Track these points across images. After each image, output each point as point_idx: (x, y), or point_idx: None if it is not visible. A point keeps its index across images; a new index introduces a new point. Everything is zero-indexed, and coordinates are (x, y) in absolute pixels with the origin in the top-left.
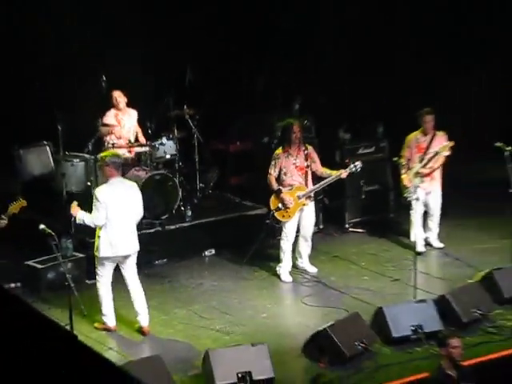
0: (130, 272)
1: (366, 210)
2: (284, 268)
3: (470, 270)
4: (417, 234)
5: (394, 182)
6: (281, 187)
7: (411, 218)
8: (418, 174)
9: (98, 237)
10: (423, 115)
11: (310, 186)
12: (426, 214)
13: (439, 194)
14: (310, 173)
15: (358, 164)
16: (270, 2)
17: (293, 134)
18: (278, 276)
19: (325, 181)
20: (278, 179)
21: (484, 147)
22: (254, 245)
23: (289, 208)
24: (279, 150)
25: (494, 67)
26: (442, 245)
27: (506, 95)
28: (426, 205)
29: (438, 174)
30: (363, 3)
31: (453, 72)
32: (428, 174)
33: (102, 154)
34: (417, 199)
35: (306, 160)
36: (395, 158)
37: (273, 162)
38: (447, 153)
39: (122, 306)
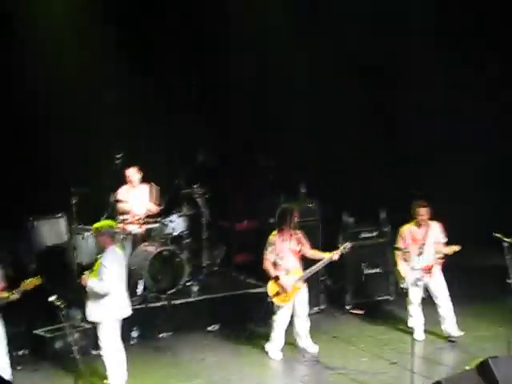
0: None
1: (367, 292)
2: (273, 346)
3: (467, 357)
4: (415, 322)
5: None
6: (278, 273)
7: (408, 306)
8: (416, 269)
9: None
10: (417, 208)
11: (305, 270)
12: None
13: (442, 281)
14: (301, 257)
15: (348, 245)
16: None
17: (293, 218)
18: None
19: (319, 263)
20: (274, 263)
21: (482, 236)
22: (254, 322)
23: (288, 293)
24: (273, 235)
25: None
26: (461, 332)
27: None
28: (431, 293)
29: (437, 265)
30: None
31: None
32: (427, 268)
33: (95, 225)
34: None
35: (298, 244)
36: (396, 245)
37: (269, 248)
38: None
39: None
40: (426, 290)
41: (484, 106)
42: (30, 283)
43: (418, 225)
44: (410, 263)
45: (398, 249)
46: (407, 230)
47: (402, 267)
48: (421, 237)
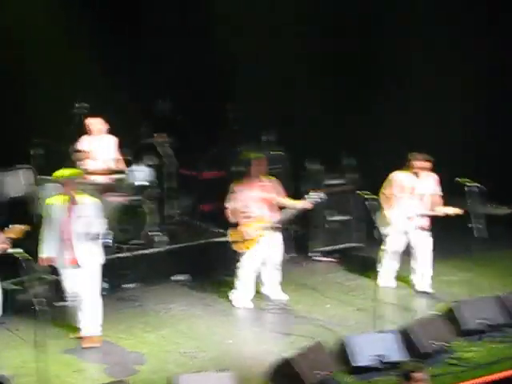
0: None
1: (332, 240)
2: (236, 294)
3: (433, 302)
4: (384, 268)
5: (360, 213)
6: (239, 220)
7: (381, 252)
8: (410, 218)
9: None
10: (416, 159)
11: (272, 217)
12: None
13: (429, 238)
14: (273, 204)
15: (322, 195)
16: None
17: (255, 167)
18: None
19: (288, 212)
20: (238, 211)
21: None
22: (220, 271)
23: (247, 240)
24: (236, 183)
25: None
26: (431, 290)
27: None
28: (411, 247)
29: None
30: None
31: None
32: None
33: (60, 173)
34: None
35: (268, 191)
36: (359, 191)
37: (229, 196)
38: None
39: None
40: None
41: None
42: (16, 230)
43: (415, 174)
44: (399, 210)
45: (382, 194)
46: (399, 177)
47: (389, 213)
48: (419, 186)
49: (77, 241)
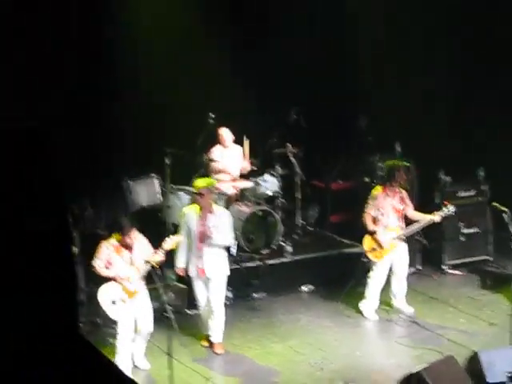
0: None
1: (465, 252)
2: (367, 305)
3: None
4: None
5: (494, 226)
6: (376, 228)
7: None
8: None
9: None
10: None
11: (404, 229)
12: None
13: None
14: (403, 216)
15: (452, 208)
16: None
17: (400, 175)
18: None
19: (420, 223)
20: (374, 219)
21: None
22: (349, 283)
23: (383, 249)
24: (377, 190)
25: None
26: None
27: None
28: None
29: None
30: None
31: None
32: None
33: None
34: None
35: (401, 203)
36: (495, 203)
37: (371, 202)
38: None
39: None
40: None
41: None
42: (173, 242)
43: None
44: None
45: (503, 213)
46: None
47: None
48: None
49: (208, 251)
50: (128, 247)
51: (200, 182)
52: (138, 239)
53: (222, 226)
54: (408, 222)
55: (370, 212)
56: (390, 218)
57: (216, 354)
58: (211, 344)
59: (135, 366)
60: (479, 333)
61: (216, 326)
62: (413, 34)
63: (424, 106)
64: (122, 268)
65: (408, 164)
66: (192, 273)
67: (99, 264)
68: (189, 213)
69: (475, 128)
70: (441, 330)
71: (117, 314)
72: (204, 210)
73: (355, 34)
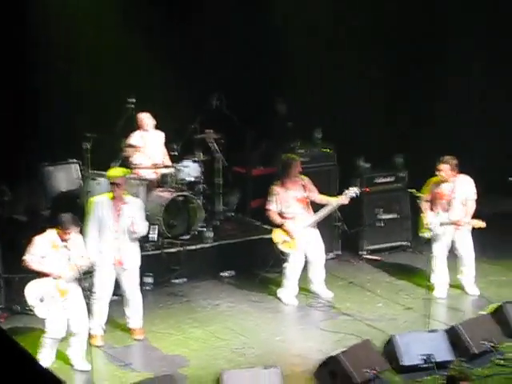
0: None
1: (384, 238)
2: (284, 292)
3: (483, 302)
4: (436, 279)
5: (412, 211)
6: (284, 220)
7: (431, 261)
8: (443, 224)
9: None
10: (439, 164)
11: (312, 216)
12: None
13: (469, 238)
14: (309, 203)
15: (355, 189)
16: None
17: (294, 168)
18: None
19: (326, 209)
20: (279, 213)
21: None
22: (264, 270)
23: (294, 239)
24: (276, 185)
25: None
26: (478, 291)
27: None
28: (455, 249)
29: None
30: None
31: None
32: (456, 224)
33: (113, 173)
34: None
35: (304, 191)
36: (412, 190)
37: (272, 198)
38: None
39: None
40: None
41: None
42: (87, 263)
43: (444, 180)
44: (437, 217)
45: (420, 198)
46: (434, 183)
47: (429, 217)
48: (448, 192)
49: (123, 241)
50: (66, 244)
51: (115, 172)
52: (76, 237)
53: (137, 216)
54: (319, 206)
55: (271, 208)
56: (295, 209)
57: (136, 339)
58: (130, 330)
59: (76, 370)
60: (396, 317)
61: (134, 312)
62: (337, 21)
63: (345, 93)
64: (56, 265)
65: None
66: (102, 262)
67: (31, 259)
68: (100, 202)
69: (395, 115)
70: (359, 315)
71: (44, 312)
72: (117, 200)
73: (278, 19)
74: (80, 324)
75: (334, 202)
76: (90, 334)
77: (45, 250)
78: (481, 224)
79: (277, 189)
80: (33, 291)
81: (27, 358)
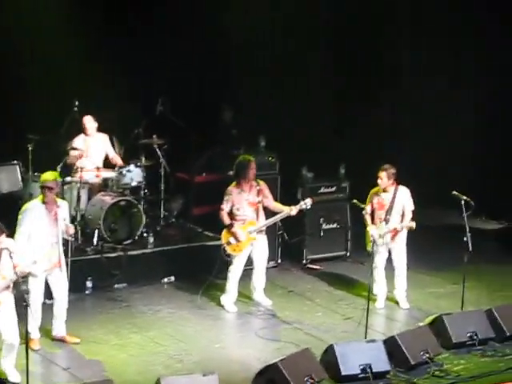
0: None
1: (324, 247)
2: (228, 298)
3: (421, 313)
4: (378, 290)
5: (352, 222)
6: (233, 222)
7: (373, 272)
8: (382, 236)
9: None
10: (378, 172)
11: (262, 221)
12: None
13: (403, 252)
14: (261, 208)
15: (308, 201)
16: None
17: (250, 170)
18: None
19: (276, 216)
20: (230, 214)
21: (443, 194)
22: (209, 276)
23: (240, 242)
24: (232, 186)
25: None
26: (408, 305)
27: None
28: (392, 260)
29: (402, 232)
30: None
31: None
32: (393, 234)
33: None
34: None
35: (258, 195)
36: (354, 201)
37: (226, 198)
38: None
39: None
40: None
41: None
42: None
43: (383, 189)
44: (377, 229)
45: (363, 211)
46: (374, 193)
47: (371, 231)
48: (387, 202)
49: (61, 244)
50: None
51: (48, 176)
52: (5, 244)
53: (67, 219)
54: (272, 213)
55: (223, 207)
56: (245, 212)
57: (74, 343)
58: (63, 338)
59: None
60: (335, 326)
61: (62, 318)
62: (285, 29)
63: (291, 102)
64: None
65: (265, 158)
66: (38, 269)
67: None
68: (33, 207)
69: (339, 125)
70: (298, 324)
71: None
72: (50, 204)
73: (226, 19)
74: (11, 335)
75: (284, 211)
76: (28, 338)
77: None
78: (411, 224)
79: (231, 190)
80: None
81: None
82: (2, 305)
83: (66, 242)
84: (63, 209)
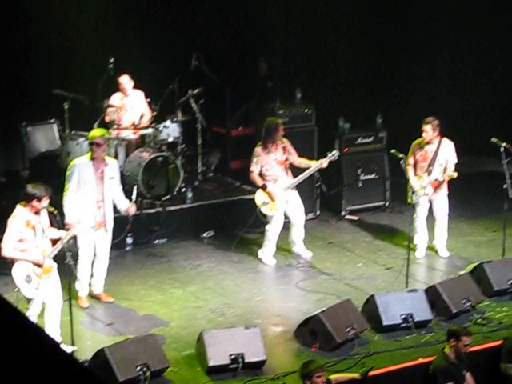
0: None
1: (363, 198)
2: (266, 253)
3: (462, 262)
4: (419, 240)
5: (391, 172)
6: (265, 182)
7: (414, 223)
8: (424, 187)
9: None
10: (423, 124)
11: (291, 178)
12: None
13: (445, 202)
14: (288, 165)
15: (336, 152)
16: None
17: (278, 132)
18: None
19: (308, 170)
20: (260, 174)
21: (482, 141)
22: (239, 231)
23: (275, 201)
24: (258, 147)
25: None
26: (448, 254)
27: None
28: (433, 211)
29: (444, 183)
30: None
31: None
32: (435, 185)
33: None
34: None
35: (284, 153)
36: (393, 150)
37: (254, 160)
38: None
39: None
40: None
41: None
42: (69, 237)
43: (427, 141)
44: (419, 180)
45: (401, 160)
46: (417, 144)
47: (413, 182)
48: (430, 154)
49: (107, 203)
50: (40, 219)
51: (95, 132)
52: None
53: (117, 178)
54: (298, 169)
55: (253, 169)
56: (275, 171)
57: (108, 302)
58: (99, 295)
59: None
60: (376, 277)
61: (101, 276)
62: None
63: (324, 53)
64: (35, 244)
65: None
66: (84, 227)
67: (10, 250)
68: (81, 163)
69: (374, 76)
70: (339, 275)
71: (32, 293)
72: (98, 161)
73: None
74: (56, 298)
75: (314, 165)
76: (77, 297)
77: (21, 231)
78: (453, 174)
79: (258, 151)
80: (19, 272)
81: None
82: (52, 270)
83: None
84: (112, 167)
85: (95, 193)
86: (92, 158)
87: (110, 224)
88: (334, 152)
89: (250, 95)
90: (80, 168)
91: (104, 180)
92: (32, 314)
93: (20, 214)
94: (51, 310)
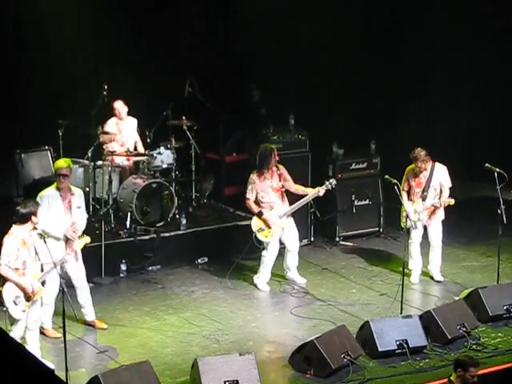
0: None
1: (357, 224)
2: (261, 278)
3: (456, 288)
4: (414, 265)
5: (385, 198)
6: (261, 209)
7: (409, 248)
8: (419, 212)
9: None
10: (413, 161)
11: (287, 205)
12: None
13: (440, 227)
14: (284, 192)
15: (333, 181)
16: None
17: (272, 158)
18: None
19: (303, 199)
20: (256, 201)
21: (475, 167)
22: (236, 258)
23: (271, 228)
24: (254, 174)
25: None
26: (442, 278)
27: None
28: (428, 236)
29: (440, 209)
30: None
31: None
32: (430, 211)
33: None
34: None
35: (280, 180)
36: (387, 176)
37: (249, 187)
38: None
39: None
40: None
41: None
42: (82, 242)
43: (419, 168)
44: (413, 205)
45: (395, 186)
46: (411, 171)
47: (407, 207)
48: (424, 180)
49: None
50: (30, 238)
51: (62, 163)
52: (38, 229)
53: (83, 207)
54: (294, 196)
55: (249, 197)
56: (271, 198)
57: (102, 329)
58: (92, 322)
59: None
60: (370, 303)
61: (88, 303)
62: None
63: (318, 79)
64: (28, 265)
65: (294, 136)
66: (56, 259)
67: (6, 270)
68: (48, 194)
69: (367, 102)
70: (333, 301)
71: (19, 314)
72: (65, 191)
73: (251, 4)
74: (37, 319)
75: (311, 193)
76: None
77: (17, 249)
78: (450, 201)
79: (254, 178)
80: (9, 292)
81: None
82: (40, 294)
83: (100, 227)
84: (78, 197)
85: (63, 222)
86: (59, 189)
87: (79, 253)
88: (331, 181)
89: (243, 121)
90: (49, 199)
91: (72, 209)
92: (16, 336)
93: (16, 232)
94: (31, 334)
